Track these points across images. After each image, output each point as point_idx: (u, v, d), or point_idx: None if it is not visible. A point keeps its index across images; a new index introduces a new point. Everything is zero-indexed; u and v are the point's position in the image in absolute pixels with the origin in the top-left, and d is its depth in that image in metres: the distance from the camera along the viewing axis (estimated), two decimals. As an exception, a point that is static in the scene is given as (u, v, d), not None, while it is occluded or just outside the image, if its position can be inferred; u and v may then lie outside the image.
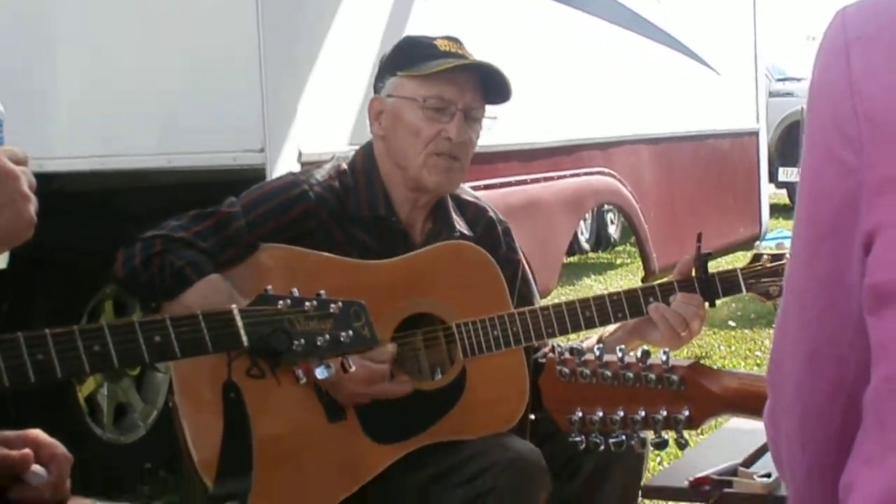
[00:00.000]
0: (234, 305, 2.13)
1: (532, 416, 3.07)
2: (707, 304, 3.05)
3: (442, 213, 3.09)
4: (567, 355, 1.75)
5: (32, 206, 1.83)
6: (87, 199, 4.84)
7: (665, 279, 3.09)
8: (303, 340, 2.19)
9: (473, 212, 3.16)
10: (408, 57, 3.00)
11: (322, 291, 2.27)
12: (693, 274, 3.05)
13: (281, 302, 2.18)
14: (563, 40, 5.69)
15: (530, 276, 3.22)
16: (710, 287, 3.05)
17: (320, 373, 2.28)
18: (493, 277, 3.01)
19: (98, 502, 2.15)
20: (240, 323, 2.11)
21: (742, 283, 3.09)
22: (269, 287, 2.23)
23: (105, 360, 1.94)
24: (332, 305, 2.24)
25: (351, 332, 2.25)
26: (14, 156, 1.83)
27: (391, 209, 3.01)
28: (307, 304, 2.21)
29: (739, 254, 7.68)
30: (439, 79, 2.94)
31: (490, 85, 3.01)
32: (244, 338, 2.11)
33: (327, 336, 2.22)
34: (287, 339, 2.16)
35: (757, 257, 3.12)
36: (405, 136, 2.97)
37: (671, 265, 6.46)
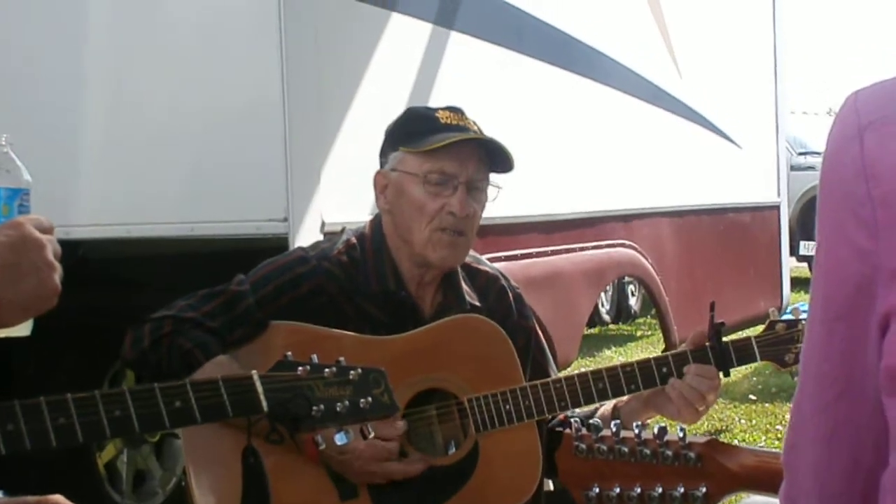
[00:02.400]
0: (253, 371, 2.14)
1: (549, 487, 3.06)
2: (721, 373, 3.03)
3: (451, 284, 3.08)
4: (584, 431, 1.75)
5: (57, 275, 1.85)
6: (111, 266, 4.87)
7: (678, 350, 3.08)
8: (322, 406, 2.19)
9: (484, 280, 3.16)
10: (409, 130, 3.01)
11: (341, 358, 2.27)
12: (707, 343, 3.04)
13: (301, 368, 2.19)
14: (585, 113, 5.73)
15: (544, 343, 3.21)
16: (724, 356, 3.03)
17: (339, 439, 2.27)
18: (504, 350, 3.00)
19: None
20: (259, 388, 2.11)
21: (756, 351, 3.06)
22: (289, 353, 2.23)
23: (126, 424, 1.95)
24: (352, 372, 2.24)
25: (370, 399, 2.25)
26: (40, 224, 1.86)
27: (401, 283, 3.00)
28: (327, 370, 2.21)
29: (759, 327, 7.66)
30: (440, 154, 2.94)
31: (492, 156, 3.01)
32: (264, 403, 2.11)
33: (347, 402, 2.22)
34: (307, 404, 2.16)
35: (771, 325, 3.10)
36: (409, 210, 2.97)
37: (692, 338, 6.46)
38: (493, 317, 3.04)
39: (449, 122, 2.98)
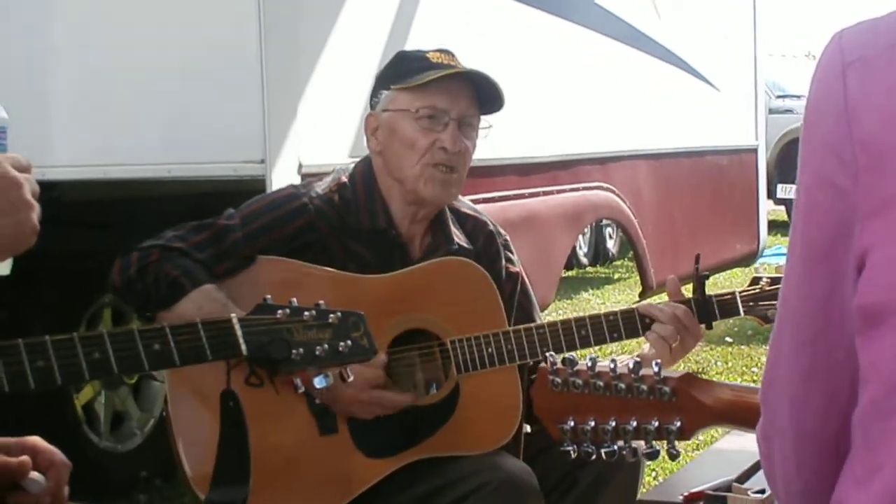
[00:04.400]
0: (233, 314, 2.14)
1: (528, 430, 3.08)
2: (704, 326, 3.05)
3: (441, 226, 3.09)
4: (559, 365, 1.76)
5: (35, 214, 1.84)
6: (87, 208, 4.85)
7: (663, 302, 3.09)
8: (301, 350, 2.19)
9: (473, 225, 3.17)
10: (400, 71, 3.02)
11: (321, 301, 2.27)
12: (691, 295, 3.06)
13: (280, 311, 2.19)
14: (562, 55, 5.71)
15: (530, 289, 3.22)
16: (708, 309, 3.05)
17: (318, 382, 2.28)
18: (488, 294, 3.01)
19: (94, 510, 2.16)
20: (239, 332, 2.11)
21: (740, 306, 3.08)
22: (269, 296, 2.24)
23: (105, 367, 1.95)
24: (331, 315, 2.24)
25: (349, 342, 2.25)
26: (17, 163, 1.85)
27: (391, 222, 3.01)
28: (306, 313, 2.22)
29: (737, 270, 7.68)
30: (431, 89, 2.95)
31: (483, 94, 3.01)
32: (243, 346, 2.11)
33: (326, 346, 2.22)
34: (286, 348, 2.17)
35: (755, 280, 3.11)
36: (401, 148, 2.98)
37: (668, 280, 6.48)
38: (480, 261, 3.05)
39: (440, 61, 2.99)
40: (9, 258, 1.91)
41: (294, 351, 2.18)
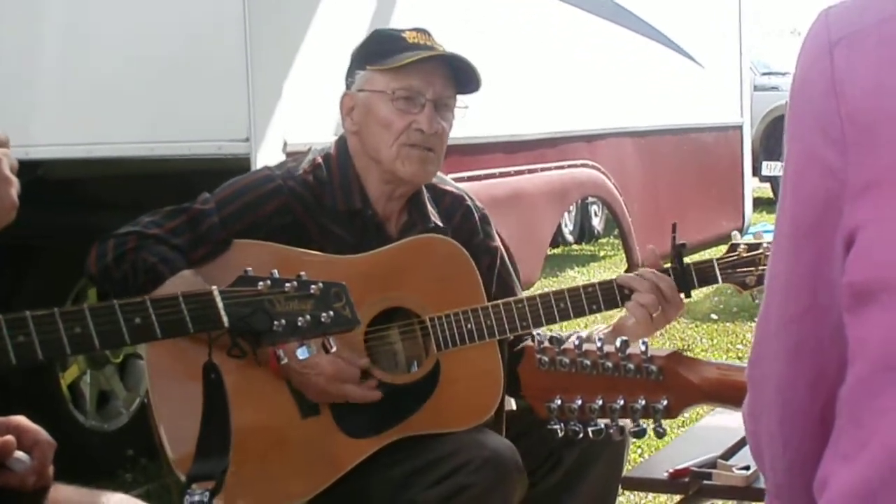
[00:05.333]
0: (214, 287, 2.13)
1: (513, 406, 3.09)
2: (683, 295, 3.05)
3: (417, 205, 3.09)
4: (546, 344, 1.76)
5: (14, 189, 1.84)
6: (70, 187, 4.84)
7: (640, 270, 3.09)
8: (283, 321, 2.18)
9: (450, 201, 3.16)
10: (376, 50, 3.01)
11: (302, 273, 2.27)
12: (669, 264, 3.05)
13: (261, 283, 2.18)
14: (546, 32, 5.69)
15: (510, 264, 3.22)
16: (686, 278, 3.04)
17: (301, 353, 2.27)
18: (466, 270, 3.01)
19: (80, 489, 2.16)
20: (220, 304, 2.10)
21: (718, 274, 3.07)
22: (250, 269, 2.22)
23: (86, 341, 1.94)
24: (313, 286, 2.23)
25: (332, 313, 2.24)
26: None
27: (367, 202, 3.01)
28: (287, 284, 2.20)
29: (722, 247, 7.69)
30: (408, 71, 2.94)
31: (459, 75, 3.01)
32: (224, 318, 2.10)
33: (308, 317, 2.21)
34: (267, 319, 2.16)
35: (733, 247, 3.11)
36: (377, 129, 2.97)
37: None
38: (457, 237, 3.05)
39: (416, 41, 2.98)
40: None
41: (276, 322, 2.17)
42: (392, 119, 2.95)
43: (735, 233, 3.27)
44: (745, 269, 3.06)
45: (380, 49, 3.00)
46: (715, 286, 3.40)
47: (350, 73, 3.06)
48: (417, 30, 3.03)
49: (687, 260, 3.06)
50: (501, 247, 3.20)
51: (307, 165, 3.01)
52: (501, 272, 3.16)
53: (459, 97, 3.05)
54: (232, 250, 2.87)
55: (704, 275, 3.07)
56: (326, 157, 3.04)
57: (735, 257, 3.08)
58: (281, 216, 2.92)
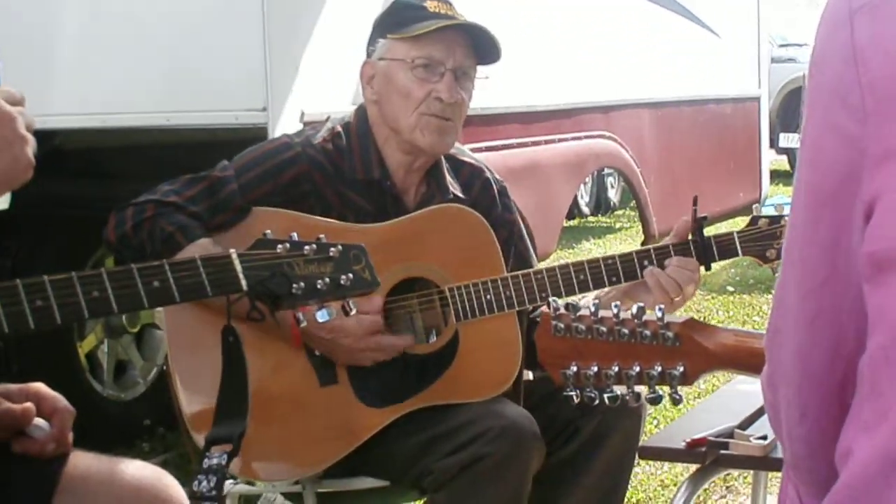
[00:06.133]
0: (232, 250, 2.12)
1: (530, 377, 3.09)
2: (703, 267, 3.04)
3: (436, 176, 3.08)
4: (562, 310, 1.75)
5: (30, 148, 1.83)
6: (88, 156, 4.85)
7: (661, 242, 3.09)
8: (302, 284, 2.17)
9: (469, 173, 3.16)
10: (397, 19, 3.00)
11: (322, 235, 2.26)
12: (689, 237, 3.05)
13: (280, 246, 2.16)
14: (565, 3, 5.68)
15: (527, 236, 3.22)
16: (707, 250, 3.03)
17: (321, 316, 2.26)
18: (486, 241, 3.01)
19: (100, 455, 2.17)
20: (238, 267, 2.09)
21: (738, 247, 3.06)
22: (268, 231, 2.22)
23: (104, 305, 1.93)
24: (332, 249, 2.21)
25: (351, 276, 2.22)
26: (11, 97, 1.83)
27: (386, 172, 3.01)
28: (307, 247, 2.18)
29: (739, 219, 7.67)
30: (428, 39, 2.94)
31: (480, 45, 3.00)
32: (243, 281, 2.09)
33: (327, 279, 2.19)
34: (286, 282, 2.14)
35: (754, 220, 3.10)
36: (397, 98, 2.97)
37: (670, 229, 6.46)
38: (476, 208, 3.04)
39: (437, 10, 2.97)
40: (6, 193, 1.90)
41: (295, 285, 2.15)
42: (411, 88, 2.95)
43: (756, 205, 3.26)
44: (765, 242, 3.05)
45: (401, 18, 3.00)
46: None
47: (371, 42, 3.05)
48: None
49: (707, 232, 3.05)
50: (519, 219, 3.20)
51: (326, 134, 3.01)
52: (518, 245, 3.16)
53: (480, 67, 3.04)
54: (251, 218, 2.87)
55: (725, 248, 3.06)
56: (346, 126, 3.04)
57: (756, 230, 3.07)
58: (300, 184, 2.92)
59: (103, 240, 2.92)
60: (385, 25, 3.03)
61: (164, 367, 2.90)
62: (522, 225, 3.21)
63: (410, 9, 3.00)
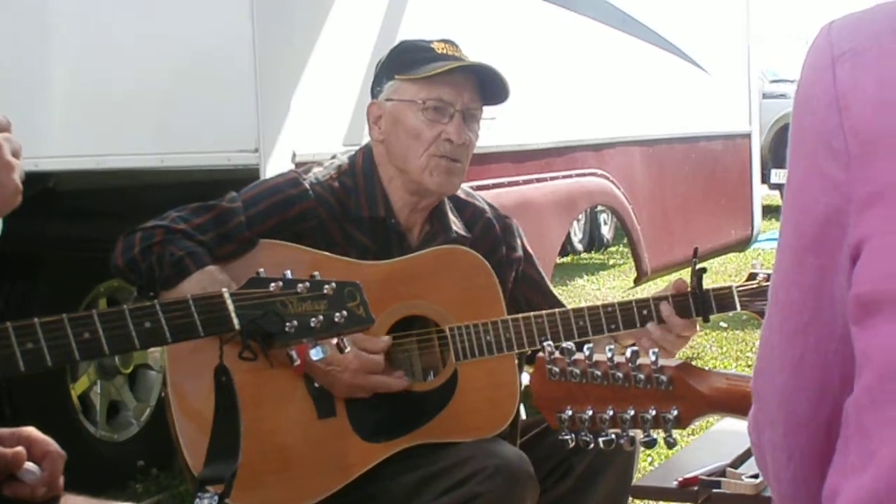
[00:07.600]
0: (224, 289, 2.12)
1: (523, 416, 3.09)
2: (701, 319, 3.06)
3: (439, 215, 3.10)
4: (557, 355, 1.76)
5: (17, 174, 1.82)
6: (81, 198, 4.85)
7: (659, 293, 3.08)
8: (296, 322, 2.17)
9: (472, 212, 3.18)
10: (405, 61, 3.02)
11: (316, 273, 2.26)
12: (688, 289, 3.05)
13: (273, 284, 2.16)
14: (554, 41, 5.70)
15: (539, 267, 3.23)
16: (705, 303, 3.05)
17: (315, 354, 2.26)
18: (487, 282, 3.02)
19: (91, 500, 2.16)
20: (230, 306, 2.09)
21: (737, 301, 3.08)
22: (262, 270, 2.22)
23: (95, 347, 1.93)
24: (326, 286, 2.22)
25: (345, 313, 2.23)
26: None
27: (390, 211, 3.03)
28: (300, 285, 2.19)
29: (731, 256, 7.68)
30: (438, 81, 2.96)
31: (487, 86, 3.03)
32: (235, 321, 2.09)
33: (321, 317, 2.19)
34: (279, 321, 2.14)
35: (752, 276, 3.12)
36: (406, 139, 2.99)
37: (663, 266, 6.48)
38: (477, 248, 3.06)
39: (444, 52, 3.00)
40: None
41: (288, 323, 2.16)
42: (421, 129, 2.97)
43: (755, 262, 3.27)
44: (764, 298, 3.06)
45: (409, 59, 3.02)
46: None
47: (377, 82, 3.07)
48: (445, 41, 3.06)
49: (705, 281, 3.05)
50: (523, 255, 3.21)
51: (333, 171, 3.04)
52: (527, 272, 3.18)
53: (486, 108, 3.07)
54: (258, 249, 2.89)
55: (723, 301, 3.08)
56: (352, 164, 3.06)
57: (755, 286, 3.09)
58: (306, 219, 2.94)
59: (111, 265, 2.93)
60: (393, 66, 3.05)
61: (161, 402, 2.89)
62: (532, 256, 3.22)
63: (419, 50, 3.02)
